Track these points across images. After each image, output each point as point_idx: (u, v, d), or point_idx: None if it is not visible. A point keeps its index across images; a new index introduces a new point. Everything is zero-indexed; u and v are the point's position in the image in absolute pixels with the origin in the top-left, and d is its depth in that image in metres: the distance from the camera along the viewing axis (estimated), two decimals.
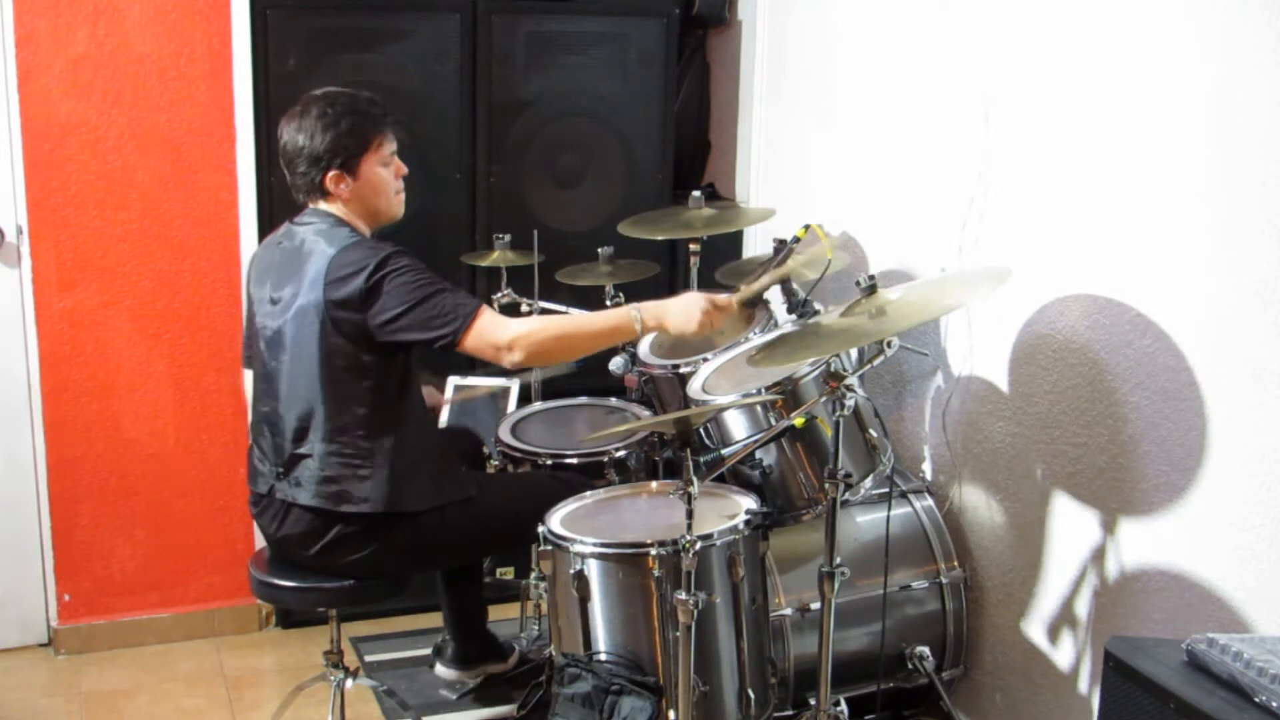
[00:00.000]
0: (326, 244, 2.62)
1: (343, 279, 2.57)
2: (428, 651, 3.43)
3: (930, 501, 3.12)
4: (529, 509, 2.73)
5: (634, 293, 3.34)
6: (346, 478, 2.65)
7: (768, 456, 2.79)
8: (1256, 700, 1.77)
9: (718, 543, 2.50)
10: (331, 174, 2.66)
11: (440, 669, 3.32)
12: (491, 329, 2.55)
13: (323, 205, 2.71)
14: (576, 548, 2.53)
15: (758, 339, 2.90)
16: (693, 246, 3.37)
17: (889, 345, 2.37)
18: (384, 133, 2.70)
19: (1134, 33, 2.54)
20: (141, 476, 3.57)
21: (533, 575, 3.23)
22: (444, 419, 3.32)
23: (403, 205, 2.79)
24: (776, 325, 3.02)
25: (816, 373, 2.69)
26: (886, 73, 3.33)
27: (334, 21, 3.51)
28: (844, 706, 2.65)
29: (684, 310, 2.61)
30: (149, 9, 3.35)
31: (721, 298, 2.65)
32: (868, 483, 2.81)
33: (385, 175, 2.72)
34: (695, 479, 2.30)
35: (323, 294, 2.58)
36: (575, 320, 2.67)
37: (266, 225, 3.44)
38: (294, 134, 2.66)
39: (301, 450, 2.67)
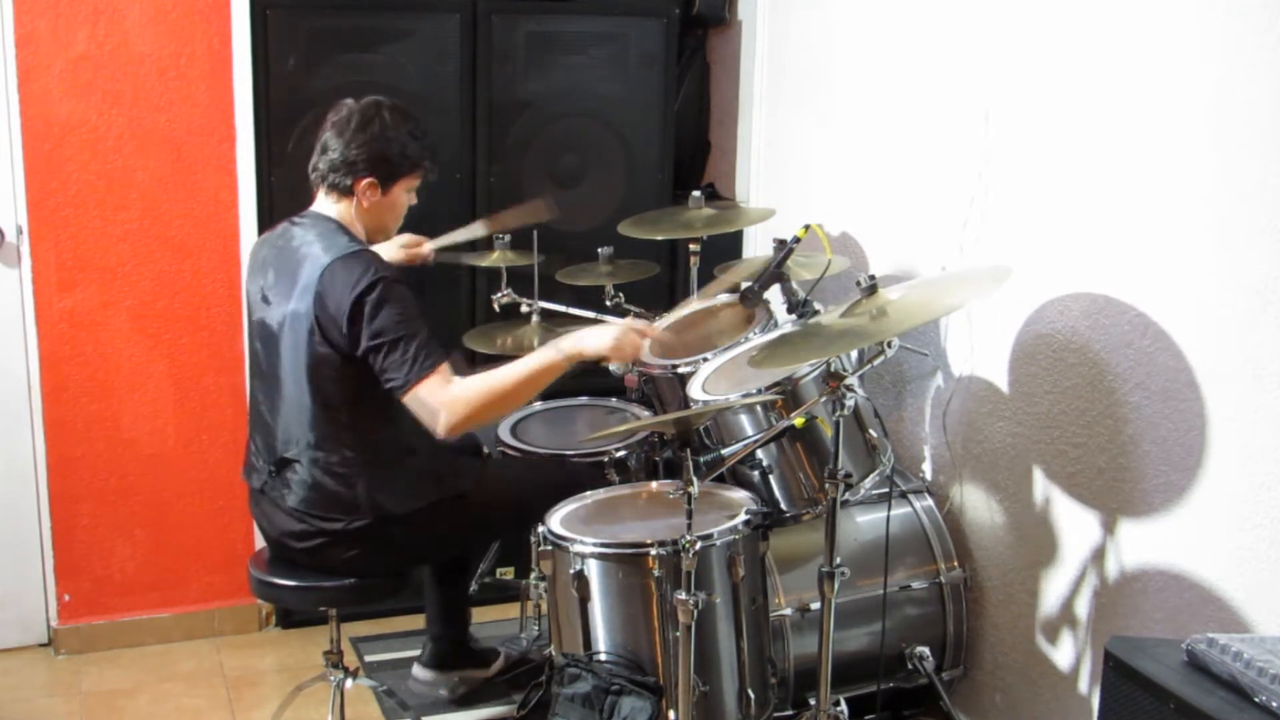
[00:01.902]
0: (322, 250, 2.61)
1: (332, 291, 2.56)
2: None
3: (930, 501, 3.12)
4: (525, 496, 2.73)
5: (634, 293, 3.35)
6: (333, 486, 2.64)
7: (768, 456, 2.79)
8: (1256, 700, 1.77)
9: (718, 543, 2.50)
10: (367, 181, 2.66)
11: (416, 669, 3.32)
12: (429, 393, 2.50)
13: (330, 204, 2.71)
14: (576, 548, 2.53)
15: (758, 339, 2.90)
16: (693, 246, 3.37)
17: (889, 345, 2.37)
18: (426, 165, 2.75)
19: (1134, 33, 2.54)
20: (141, 476, 3.57)
21: (533, 575, 3.23)
22: None
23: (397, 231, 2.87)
24: (776, 325, 3.02)
25: (816, 373, 2.69)
26: (886, 73, 3.33)
27: (334, 21, 3.51)
28: (844, 706, 2.66)
29: (599, 333, 2.63)
30: (149, 9, 3.35)
31: (642, 323, 2.71)
32: (868, 483, 2.81)
33: (405, 201, 2.76)
34: (695, 479, 2.30)
35: (312, 303, 2.57)
36: (500, 374, 2.58)
37: (266, 225, 3.42)
38: (349, 131, 2.66)
39: (289, 455, 2.67)
